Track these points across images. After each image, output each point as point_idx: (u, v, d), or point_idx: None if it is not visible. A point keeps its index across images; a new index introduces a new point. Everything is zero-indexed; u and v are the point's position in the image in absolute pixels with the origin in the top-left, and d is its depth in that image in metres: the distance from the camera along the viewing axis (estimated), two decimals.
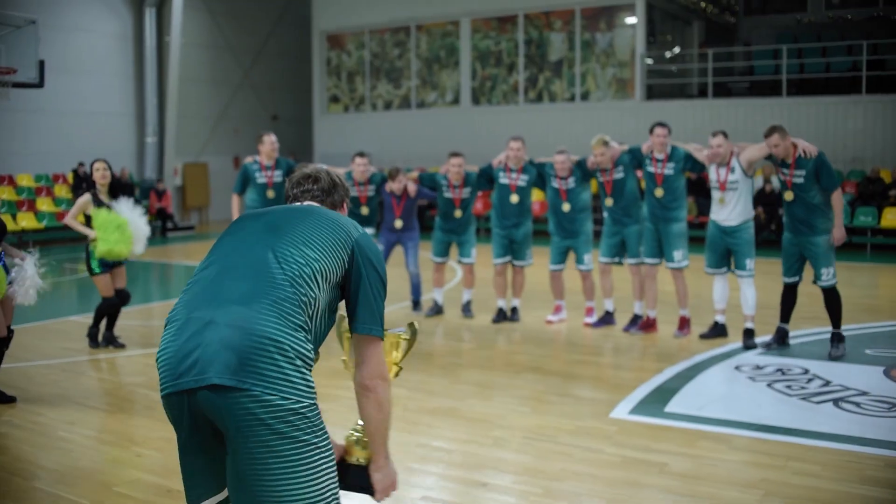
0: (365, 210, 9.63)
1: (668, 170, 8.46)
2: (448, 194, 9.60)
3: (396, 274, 11.05)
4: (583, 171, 8.99)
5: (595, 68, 21.03)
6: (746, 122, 18.53)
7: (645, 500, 4.54)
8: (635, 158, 8.71)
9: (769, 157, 7.80)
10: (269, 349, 2.40)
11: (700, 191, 17.90)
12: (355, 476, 2.75)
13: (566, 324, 9.37)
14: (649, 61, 21.00)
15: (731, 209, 8.01)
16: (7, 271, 6.59)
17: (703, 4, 23.32)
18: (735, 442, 5.45)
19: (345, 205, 3.01)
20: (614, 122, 20.13)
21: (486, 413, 6.14)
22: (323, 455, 2.47)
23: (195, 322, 2.48)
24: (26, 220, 18.83)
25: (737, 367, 7.34)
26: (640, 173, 8.88)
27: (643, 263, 8.76)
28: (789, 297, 7.96)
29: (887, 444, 5.32)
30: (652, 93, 20.83)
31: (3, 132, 19.76)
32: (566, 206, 9.03)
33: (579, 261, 9.18)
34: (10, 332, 6.62)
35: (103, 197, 7.94)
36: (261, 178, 9.28)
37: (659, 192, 8.47)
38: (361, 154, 9.76)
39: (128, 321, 9.68)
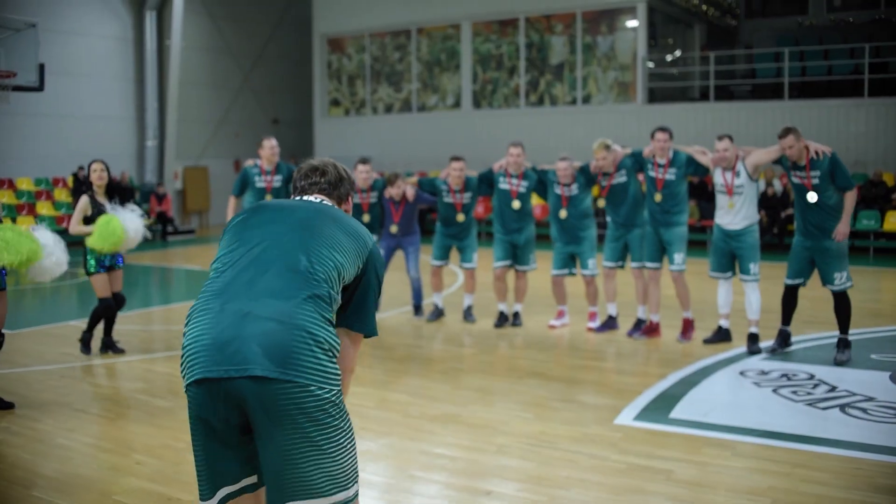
0: (367, 217, 9.58)
1: (670, 175, 8.40)
2: (449, 199, 9.54)
3: (397, 279, 11.00)
4: (586, 176, 8.94)
5: (596, 72, 20.99)
6: (748, 125, 18.49)
7: None
8: (637, 162, 8.66)
9: (777, 161, 7.74)
10: (308, 343, 2.59)
11: (702, 194, 17.86)
12: None
13: (568, 328, 9.31)
14: (651, 64, 20.95)
15: (737, 213, 7.96)
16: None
17: (704, 7, 23.27)
18: (741, 448, 5.39)
19: (350, 198, 3.18)
20: (616, 125, 20.09)
21: (488, 419, 6.08)
22: (348, 436, 2.68)
23: (231, 313, 2.61)
24: (26, 225, 18.76)
25: (741, 373, 7.28)
26: (641, 177, 8.83)
27: (645, 267, 8.70)
28: (790, 300, 7.90)
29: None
30: (653, 96, 20.79)
31: (2, 136, 19.72)
32: (567, 213, 8.97)
33: (584, 266, 9.13)
34: (1, 336, 6.55)
35: (100, 198, 7.86)
36: (260, 182, 9.23)
37: (658, 198, 8.42)
38: (364, 161, 9.68)
39: (127, 326, 9.63)
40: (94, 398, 6.95)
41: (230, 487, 2.74)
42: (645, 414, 6.18)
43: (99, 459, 5.33)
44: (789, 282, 7.82)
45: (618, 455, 5.28)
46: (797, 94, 19.61)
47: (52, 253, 6.90)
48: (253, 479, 2.79)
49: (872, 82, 18.48)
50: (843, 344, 7.63)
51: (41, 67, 10.14)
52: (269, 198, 9.17)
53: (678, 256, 8.46)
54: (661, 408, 6.31)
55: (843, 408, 6.21)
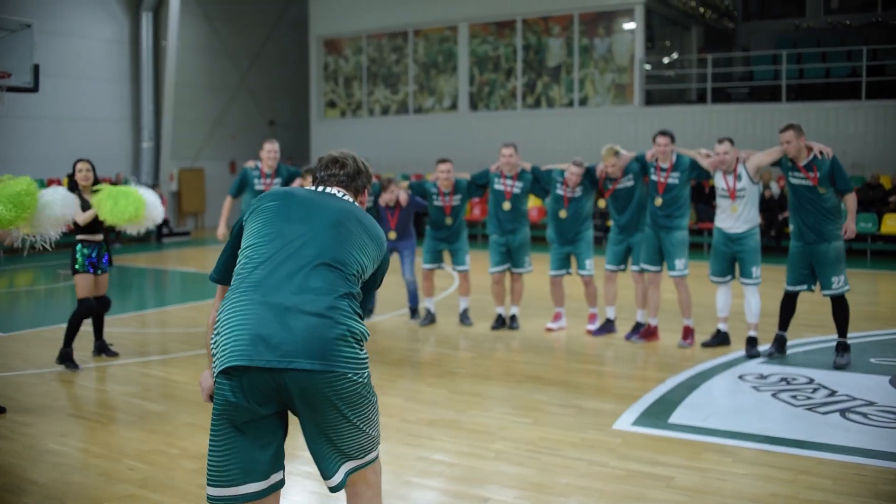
0: None
1: (672, 179, 8.34)
2: (438, 202, 9.46)
3: (392, 281, 10.93)
4: (591, 179, 8.87)
5: (594, 74, 20.94)
6: (746, 127, 18.45)
7: None
8: (642, 166, 8.60)
9: (776, 163, 7.69)
10: (346, 336, 2.82)
11: (699, 197, 17.81)
12: None
13: (566, 332, 9.25)
14: (648, 67, 20.91)
15: (738, 216, 7.91)
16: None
17: (701, 10, 23.23)
18: (742, 454, 5.33)
19: (366, 191, 3.37)
20: (613, 127, 20.04)
21: (486, 424, 6.01)
22: (375, 409, 2.99)
23: (272, 306, 2.79)
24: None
25: (740, 377, 7.22)
26: (646, 181, 8.77)
27: (645, 271, 8.64)
28: (789, 306, 7.85)
29: None
30: (651, 98, 20.74)
31: None
32: (565, 213, 8.92)
33: (581, 266, 9.06)
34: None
35: (87, 197, 7.73)
36: (259, 184, 9.19)
37: (658, 202, 8.36)
38: None
39: (122, 328, 9.55)
40: (86, 402, 6.88)
41: (259, 484, 2.90)
42: (644, 419, 6.12)
43: (91, 465, 5.25)
44: (790, 289, 7.75)
45: (617, 461, 5.21)
46: (795, 97, 19.58)
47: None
48: (279, 477, 2.97)
49: (870, 85, 18.45)
50: (842, 347, 7.58)
51: (36, 68, 10.06)
52: None
53: (679, 262, 8.40)
54: (660, 412, 6.25)
55: (843, 412, 6.15)
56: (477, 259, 10.59)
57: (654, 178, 8.46)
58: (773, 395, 6.62)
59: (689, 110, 19.97)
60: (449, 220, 9.48)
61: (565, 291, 9.54)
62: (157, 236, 21.11)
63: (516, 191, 9.17)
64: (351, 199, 3.23)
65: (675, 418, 6.11)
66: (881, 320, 9.82)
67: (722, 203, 8.03)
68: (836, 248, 7.46)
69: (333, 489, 2.96)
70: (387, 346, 8.68)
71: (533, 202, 18.53)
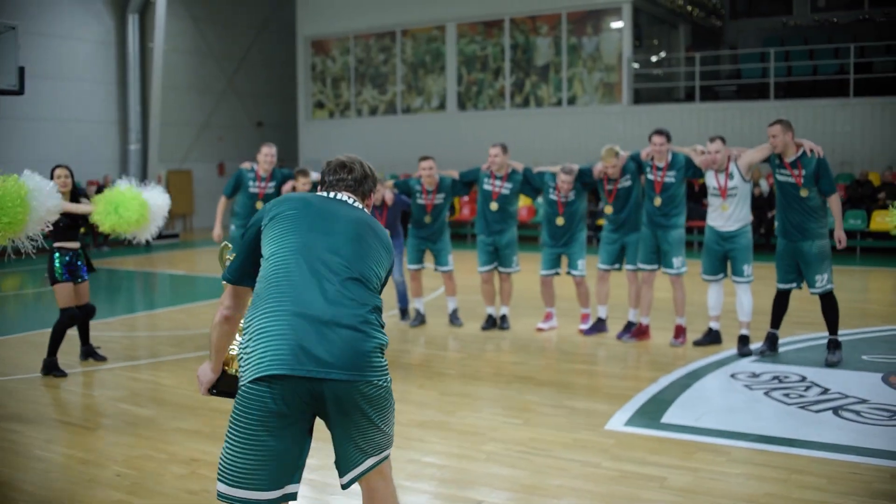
0: None
1: (669, 178, 8.31)
2: (421, 200, 9.40)
3: None
4: (583, 181, 8.80)
5: (582, 73, 20.93)
6: (734, 125, 18.46)
7: None
8: (638, 165, 8.54)
9: (767, 160, 7.67)
10: (376, 349, 3.01)
11: (690, 195, 17.78)
12: (228, 383, 3.34)
13: (557, 331, 9.22)
14: (636, 65, 20.90)
15: (730, 214, 7.88)
16: None
17: (689, 8, 23.25)
18: (735, 454, 5.29)
19: (373, 194, 3.47)
20: (601, 126, 20.04)
21: (477, 426, 5.97)
22: (393, 409, 3.16)
23: (310, 319, 2.93)
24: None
25: (732, 375, 7.19)
26: (642, 179, 8.70)
27: (640, 269, 8.60)
28: (782, 304, 7.84)
29: (892, 455, 5.17)
30: (639, 97, 20.74)
31: None
32: (562, 220, 8.86)
33: (573, 266, 9.02)
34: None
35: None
36: (253, 187, 9.17)
37: (658, 201, 8.32)
38: None
39: (111, 332, 9.48)
40: (74, 407, 6.80)
41: (271, 493, 2.99)
42: (636, 419, 6.08)
43: (77, 472, 5.17)
44: (781, 286, 7.74)
45: (610, 462, 5.17)
46: (783, 95, 19.59)
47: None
48: (294, 489, 3.07)
49: (858, 82, 18.49)
50: (834, 345, 7.56)
51: (21, 70, 9.98)
52: (259, 204, 9.11)
53: (677, 260, 8.37)
54: (652, 412, 6.22)
55: (836, 410, 6.12)
56: (466, 259, 10.54)
57: (650, 177, 8.40)
58: (766, 394, 6.60)
59: (678, 109, 19.97)
60: (428, 219, 9.39)
61: (556, 292, 9.49)
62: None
63: (504, 191, 9.11)
64: (360, 206, 3.35)
65: (667, 418, 6.08)
66: (872, 317, 9.82)
67: (713, 202, 8.01)
68: (821, 246, 7.44)
69: (346, 486, 3.15)
70: None
71: (523, 201, 18.49)
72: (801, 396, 6.50)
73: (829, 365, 7.40)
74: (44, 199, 6.36)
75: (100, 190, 7.85)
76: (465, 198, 20.12)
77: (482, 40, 22.22)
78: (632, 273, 8.74)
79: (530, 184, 9.12)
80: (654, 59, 22.49)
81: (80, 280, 7.69)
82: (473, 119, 22.11)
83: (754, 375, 7.15)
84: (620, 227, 8.71)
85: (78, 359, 8.10)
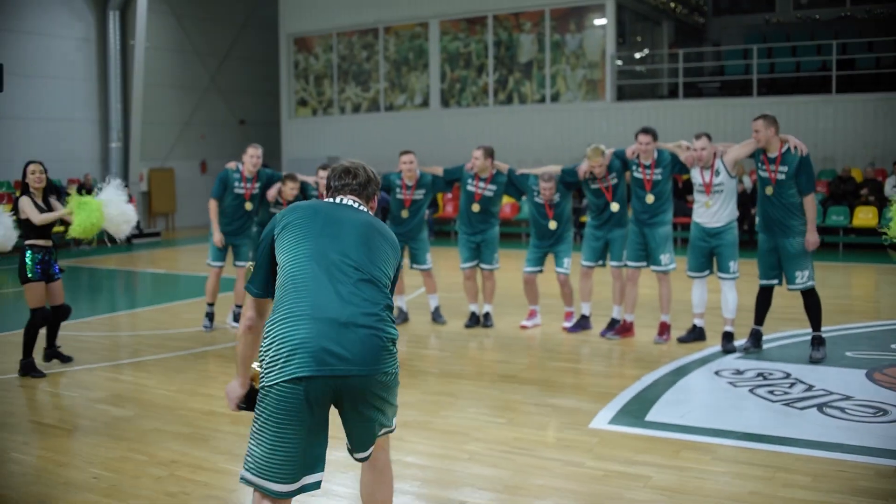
0: None
1: (657, 175, 8.27)
2: (399, 195, 9.33)
3: None
4: (566, 182, 8.74)
5: (565, 69, 20.90)
6: (717, 122, 18.46)
7: None
8: (623, 162, 8.49)
9: (752, 156, 7.64)
10: (389, 344, 3.27)
11: (673, 192, 17.78)
12: (255, 399, 3.37)
13: (541, 329, 9.17)
14: (619, 62, 20.89)
15: (716, 211, 7.85)
16: None
17: (672, 5, 23.26)
18: (720, 452, 5.26)
19: (376, 197, 3.66)
20: (585, 123, 20.02)
21: (459, 425, 5.91)
22: (398, 386, 3.44)
23: (330, 321, 3.15)
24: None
25: (717, 373, 7.17)
26: (627, 176, 8.65)
27: (626, 267, 8.56)
28: (765, 300, 7.82)
29: (876, 452, 5.15)
30: (622, 94, 20.73)
31: None
32: (555, 224, 8.80)
33: (559, 264, 8.97)
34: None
35: (38, 200, 7.48)
36: (238, 188, 9.11)
37: (650, 199, 8.27)
38: (325, 167, 9.44)
39: (91, 332, 9.37)
40: (51, 409, 6.71)
41: (288, 486, 3.18)
42: (621, 417, 6.04)
43: (54, 474, 5.08)
44: (763, 282, 7.72)
45: (594, 461, 5.13)
46: (766, 91, 19.63)
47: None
48: (315, 478, 3.27)
49: (840, 79, 18.54)
50: (818, 341, 7.54)
51: (0, 68, 9.88)
52: (248, 205, 9.16)
53: (664, 257, 8.34)
54: (637, 410, 6.18)
55: (820, 407, 6.10)
56: (450, 255, 10.48)
57: (638, 175, 8.35)
58: (751, 391, 6.57)
59: (661, 105, 19.97)
60: (406, 214, 9.31)
61: (540, 290, 9.45)
62: (126, 237, 20.82)
63: (487, 193, 9.05)
64: (365, 209, 3.55)
65: (652, 416, 6.04)
66: (855, 313, 9.82)
67: (698, 198, 7.98)
68: (801, 242, 7.42)
69: (362, 460, 3.47)
70: None
71: (507, 199, 18.44)
72: (785, 393, 6.47)
73: (814, 361, 7.38)
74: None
75: (80, 189, 7.77)
76: (449, 195, 20.06)
77: (465, 37, 22.16)
78: (616, 270, 8.69)
79: (514, 185, 9.07)
80: (637, 55, 22.49)
81: (54, 278, 7.57)
82: (457, 116, 22.05)
83: (739, 372, 7.13)
84: (604, 224, 8.66)
85: (42, 361, 7.82)
